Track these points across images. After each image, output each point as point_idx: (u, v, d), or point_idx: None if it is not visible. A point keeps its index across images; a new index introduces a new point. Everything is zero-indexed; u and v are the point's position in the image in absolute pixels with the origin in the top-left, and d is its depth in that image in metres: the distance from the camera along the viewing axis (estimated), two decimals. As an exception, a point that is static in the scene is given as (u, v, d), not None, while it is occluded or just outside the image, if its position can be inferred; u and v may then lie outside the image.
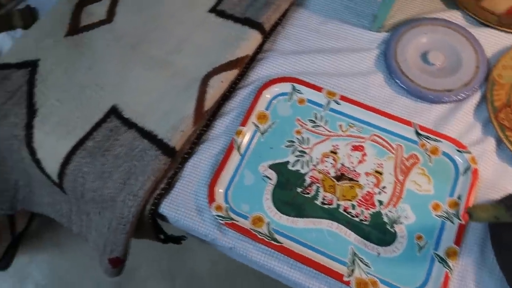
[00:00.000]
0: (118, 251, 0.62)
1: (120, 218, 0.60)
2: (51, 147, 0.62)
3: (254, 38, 0.66)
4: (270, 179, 0.60)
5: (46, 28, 0.69)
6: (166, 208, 0.60)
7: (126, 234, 0.61)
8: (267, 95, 0.65)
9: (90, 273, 1.19)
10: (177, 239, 0.67)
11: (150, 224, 0.62)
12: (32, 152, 0.63)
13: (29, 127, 0.63)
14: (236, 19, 0.69)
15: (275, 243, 0.55)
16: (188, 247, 1.18)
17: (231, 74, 0.64)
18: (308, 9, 0.72)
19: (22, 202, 0.74)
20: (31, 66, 0.67)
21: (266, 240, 0.55)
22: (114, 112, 0.64)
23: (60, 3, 0.72)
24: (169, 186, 0.60)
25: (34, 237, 1.25)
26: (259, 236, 0.56)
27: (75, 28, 0.70)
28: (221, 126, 0.64)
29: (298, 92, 0.65)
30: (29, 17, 0.72)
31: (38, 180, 0.68)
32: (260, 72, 0.67)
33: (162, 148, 0.59)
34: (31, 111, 0.64)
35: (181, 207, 0.59)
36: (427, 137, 0.61)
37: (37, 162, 0.63)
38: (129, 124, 0.63)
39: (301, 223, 0.57)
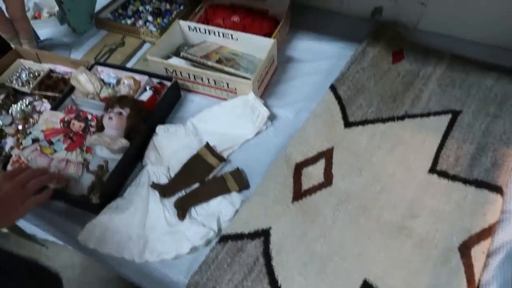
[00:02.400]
0: None
1: None
2: (308, 331, 0.56)
3: (497, 202, 0.64)
4: None
5: (273, 194, 0.68)
6: None
7: None
8: (525, 263, 0.61)
9: None
10: None
11: None
12: (285, 337, 0.56)
13: (278, 307, 0.58)
14: (465, 181, 0.68)
15: None
16: None
17: (488, 243, 0.61)
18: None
19: None
20: (264, 235, 0.64)
21: None
22: (368, 288, 0.59)
23: (278, 167, 0.72)
24: None
25: None
26: None
27: (299, 192, 0.69)
28: (484, 301, 0.59)
29: (558, 260, 0.61)
30: (241, 179, 0.72)
31: None
32: (503, 236, 0.64)
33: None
34: (275, 288, 0.59)
35: None
36: None
37: None
38: (390, 303, 0.57)
39: None
